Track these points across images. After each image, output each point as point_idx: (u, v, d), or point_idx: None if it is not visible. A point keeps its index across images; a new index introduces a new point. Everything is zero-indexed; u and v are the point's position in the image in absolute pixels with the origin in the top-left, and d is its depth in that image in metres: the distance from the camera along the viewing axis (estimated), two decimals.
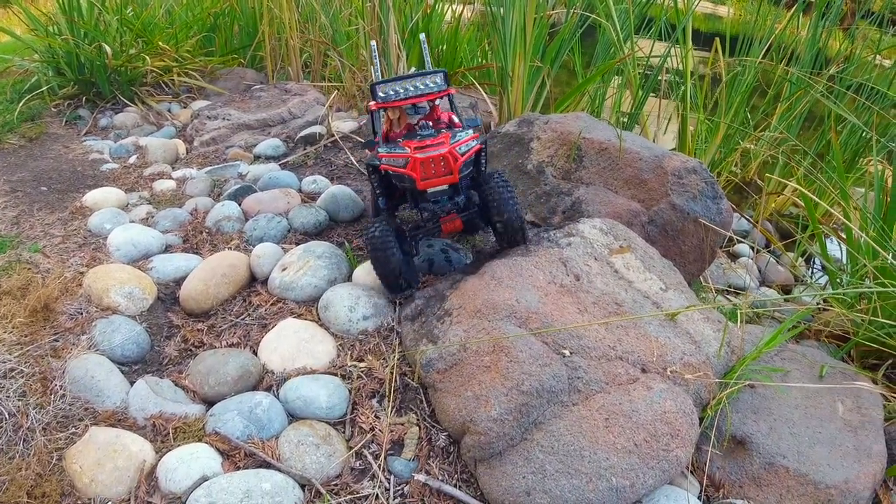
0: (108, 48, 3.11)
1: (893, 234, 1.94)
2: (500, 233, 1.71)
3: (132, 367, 1.57)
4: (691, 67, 2.88)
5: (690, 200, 2.02)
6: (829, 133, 2.41)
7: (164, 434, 1.34)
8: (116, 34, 3.31)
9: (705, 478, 1.38)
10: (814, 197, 2.27)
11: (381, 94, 1.67)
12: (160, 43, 3.37)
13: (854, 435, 1.42)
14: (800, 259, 2.82)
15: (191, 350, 1.62)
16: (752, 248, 2.80)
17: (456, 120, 1.81)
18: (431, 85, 1.71)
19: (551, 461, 1.18)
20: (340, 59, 3.17)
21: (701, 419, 1.42)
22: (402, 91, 1.68)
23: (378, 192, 1.72)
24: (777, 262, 2.76)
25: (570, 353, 1.34)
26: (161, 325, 1.72)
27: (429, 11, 3.27)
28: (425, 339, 1.45)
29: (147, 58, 3.26)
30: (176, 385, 1.49)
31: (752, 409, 1.49)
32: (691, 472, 1.40)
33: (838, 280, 2.21)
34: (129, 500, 1.20)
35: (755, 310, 2.18)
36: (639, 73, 3.01)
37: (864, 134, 2.83)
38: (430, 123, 1.70)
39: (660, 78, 2.93)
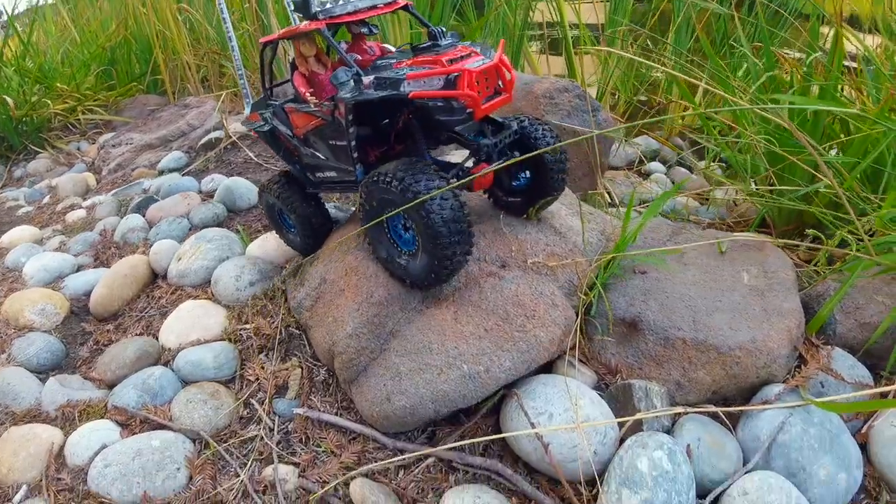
0: (9, 100, 3.19)
1: (765, 96, 1.98)
2: (539, 182, 1.39)
3: (49, 373, 1.68)
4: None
5: (565, 117, 2.11)
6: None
7: (71, 419, 1.45)
8: (18, 86, 3.39)
9: (586, 361, 1.36)
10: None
11: (316, 6, 1.20)
12: (59, 85, 3.45)
13: (761, 298, 1.38)
14: (711, 164, 2.93)
15: (101, 349, 1.74)
16: (661, 162, 2.92)
17: (391, 49, 1.39)
18: None
19: (404, 362, 1.27)
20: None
21: (588, 308, 1.43)
22: (346, 2, 1.23)
23: (355, 155, 1.27)
24: (690, 171, 2.88)
25: None
26: (75, 334, 1.83)
27: None
28: (300, 286, 1.56)
29: (49, 102, 3.34)
30: (85, 379, 1.61)
31: (642, 292, 1.45)
32: (582, 362, 1.38)
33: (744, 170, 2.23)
34: (42, 480, 1.32)
35: (665, 215, 2.20)
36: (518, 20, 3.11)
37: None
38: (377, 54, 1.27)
39: (530, 20, 3.04)
